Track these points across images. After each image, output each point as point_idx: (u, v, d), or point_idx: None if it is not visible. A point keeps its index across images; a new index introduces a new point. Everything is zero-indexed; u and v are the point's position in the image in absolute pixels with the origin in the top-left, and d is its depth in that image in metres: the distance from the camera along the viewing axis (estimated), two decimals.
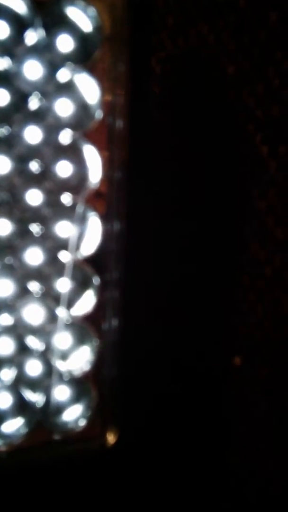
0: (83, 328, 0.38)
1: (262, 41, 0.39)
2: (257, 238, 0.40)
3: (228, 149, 0.41)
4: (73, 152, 0.36)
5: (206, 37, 0.40)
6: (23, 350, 0.37)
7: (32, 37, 0.34)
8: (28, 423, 0.37)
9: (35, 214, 0.36)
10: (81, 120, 0.36)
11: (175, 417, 0.43)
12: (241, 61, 0.39)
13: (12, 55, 0.34)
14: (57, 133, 0.35)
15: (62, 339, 0.38)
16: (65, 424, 0.38)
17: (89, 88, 0.35)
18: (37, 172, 0.35)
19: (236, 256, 0.41)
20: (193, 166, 0.42)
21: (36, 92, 0.35)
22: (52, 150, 0.35)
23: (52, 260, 0.37)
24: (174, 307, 0.43)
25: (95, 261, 0.37)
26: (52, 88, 0.35)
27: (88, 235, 0.37)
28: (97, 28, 0.35)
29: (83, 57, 0.35)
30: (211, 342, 0.43)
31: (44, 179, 0.36)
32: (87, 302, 0.38)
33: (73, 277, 0.37)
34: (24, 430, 0.37)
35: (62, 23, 0.35)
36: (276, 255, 0.40)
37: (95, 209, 0.37)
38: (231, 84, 0.40)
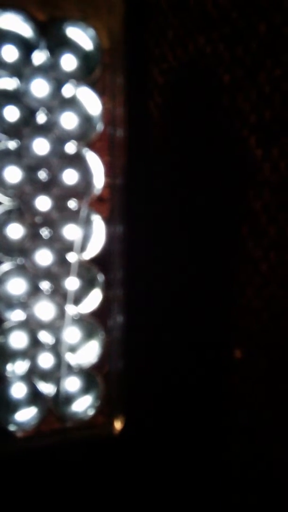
0: (91, 324, 0.40)
1: (254, 51, 0.40)
2: (253, 236, 0.41)
3: (225, 153, 0.42)
4: (77, 161, 0.38)
5: (203, 49, 0.42)
6: (35, 344, 0.40)
7: (38, 57, 0.37)
8: (40, 411, 0.40)
9: (44, 219, 0.38)
10: (84, 132, 0.38)
11: (178, 406, 0.45)
12: (236, 70, 0.41)
13: (20, 75, 0.37)
14: (63, 144, 0.38)
15: (71, 333, 0.40)
16: (75, 412, 0.41)
17: (91, 102, 0.38)
18: (45, 180, 0.38)
19: (233, 253, 0.42)
20: (191, 169, 0.43)
21: (43, 108, 0.37)
22: (58, 160, 0.38)
23: (61, 261, 0.39)
24: (175, 303, 0.44)
25: (100, 262, 0.40)
26: (57, 103, 0.38)
27: (93, 237, 0.40)
28: (97, 46, 0.38)
29: (85, 74, 0.38)
30: (212, 335, 0.44)
31: (52, 186, 0.38)
32: (93, 299, 0.40)
33: (80, 276, 0.39)
34: (37, 418, 0.40)
35: (65, 44, 0.37)
36: (270, 252, 0.41)
37: (99, 213, 0.39)
38: (227, 91, 0.41)
